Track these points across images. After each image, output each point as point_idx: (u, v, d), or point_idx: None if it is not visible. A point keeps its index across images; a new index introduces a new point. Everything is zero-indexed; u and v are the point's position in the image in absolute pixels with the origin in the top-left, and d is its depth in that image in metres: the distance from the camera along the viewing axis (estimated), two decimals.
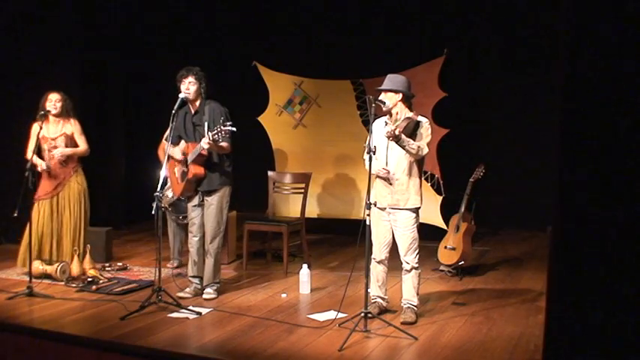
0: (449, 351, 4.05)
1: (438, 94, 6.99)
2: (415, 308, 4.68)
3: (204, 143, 4.92)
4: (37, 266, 5.66)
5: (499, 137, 8.08)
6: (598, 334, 2.13)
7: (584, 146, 2.14)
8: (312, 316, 4.75)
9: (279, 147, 7.81)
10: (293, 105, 7.80)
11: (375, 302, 4.78)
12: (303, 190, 6.52)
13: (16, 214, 5.30)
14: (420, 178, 4.70)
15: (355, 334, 4.24)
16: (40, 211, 5.80)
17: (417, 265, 4.66)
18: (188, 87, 5.11)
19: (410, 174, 4.61)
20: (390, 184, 4.60)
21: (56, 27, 7.43)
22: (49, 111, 5.74)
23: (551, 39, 6.90)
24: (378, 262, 4.74)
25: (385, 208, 4.65)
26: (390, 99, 4.61)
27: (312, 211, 7.46)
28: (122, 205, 8.42)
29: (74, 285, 5.57)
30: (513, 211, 7.96)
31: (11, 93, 7.30)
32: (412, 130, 4.56)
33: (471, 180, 6.07)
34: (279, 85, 7.83)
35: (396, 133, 4.39)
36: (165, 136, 5.96)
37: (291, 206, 7.35)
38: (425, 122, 4.62)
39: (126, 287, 5.47)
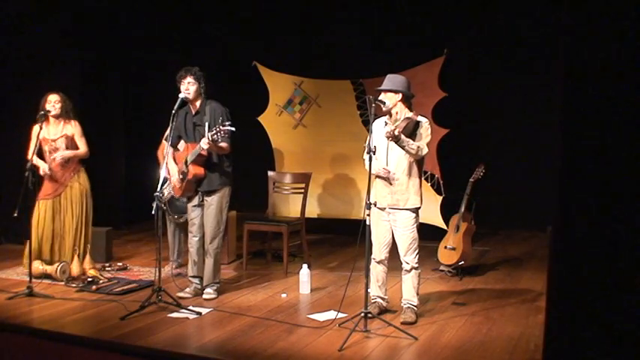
0: (449, 351, 4.05)
1: (438, 94, 7.00)
2: (415, 308, 4.68)
3: (204, 143, 4.92)
4: (37, 266, 5.66)
5: (499, 137, 8.07)
6: (598, 334, 2.13)
7: (584, 146, 2.14)
8: (312, 316, 4.75)
9: (279, 147, 7.81)
10: (293, 105, 7.80)
11: (375, 302, 4.78)
12: (303, 190, 6.52)
13: (16, 214, 5.30)
14: (420, 178, 4.71)
15: (355, 334, 4.24)
16: (41, 212, 5.80)
17: (416, 265, 4.66)
18: (187, 87, 5.11)
19: (410, 174, 4.61)
20: (391, 183, 4.61)
21: (56, 27, 7.43)
22: (48, 111, 5.74)
23: (551, 39, 6.90)
24: (378, 262, 4.74)
25: (385, 208, 4.65)
26: (389, 99, 4.61)
27: (312, 211, 7.46)
28: (122, 205, 8.43)
29: (74, 285, 5.57)
30: (513, 211, 7.96)
31: (11, 93, 7.30)
32: (412, 130, 4.56)
33: (471, 180, 6.07)
34: (279, 85, 7.84)
35: (396, 133, 4.39)
36: (164, 136, 5.96)
37: (291, 206, 7.35)
38: (425, 122, 4.62)
39: (126, 287, 5.47)
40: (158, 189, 4.88)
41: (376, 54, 7.95)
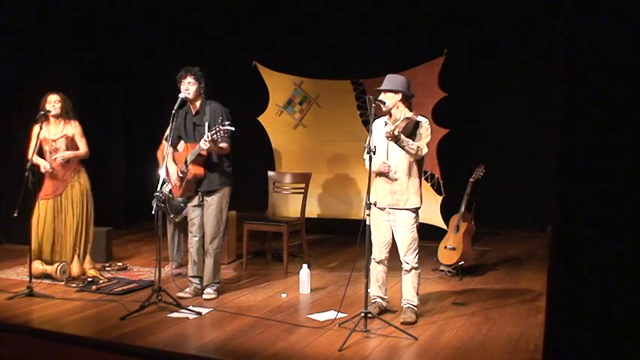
0: (449, 351, 4.05)
1: (438, 94, 7.00)
2: (415, 308, 4.68)
3: (203, 143, 4.92)
4: (37, 266, 5.66)
5: (499, 137, 8.08)
6: (598, 334, 2.13)
7: (584, 146, 2.14)
8: (312, 316, 4.75)
9: (279, 147, 7.81)
10: (293, 105, 7.80)
11: (375, 302, 4.78)
12: (303, 190, 6.52)
13: (16, 214, 5.30)
14: (420, 178, 4.71)
15: (355, 334, 4.24)
16: (41, 212, 5.80)
17: (416, 265, 4.66)
18: (187, 87, 5.11)
19: (410, 174, 4.61)
20: (390, 178, 4.60)
21: (56, 27, 7.43)
22: (48, 111, 5.74)
23: (551, 39, 6.90)
24: (378, 262, 4.74)
25: (385, 208, 4.65)
26: (389, 99, 4.61)
27: (312, 211, 7.46)
28: (122, 205, 8.43)
29: (74, 285, 5.57)
30: (513, 211, 7.97)
31: (11, 94, 7.30)
32: (412, 130, 4.56)
33: (471, 180, 6.07)
34: (279, 85, 7.84)
35: (395, 133, 4.39)
36: (164, 136, 5.96)
37: (291, 206, 7.35)
38: (424, 122, 4.62)
39: (126, 287, 5.47)
40: (158, 189, 4.88)
41: (376, 54, 7.94)
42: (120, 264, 6.34)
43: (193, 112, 5.22)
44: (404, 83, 4.64)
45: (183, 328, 4.51)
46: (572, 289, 2.18)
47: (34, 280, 5.34)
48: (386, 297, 4.83)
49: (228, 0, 8.57)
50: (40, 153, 5.80)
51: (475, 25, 7.92)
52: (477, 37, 7.96)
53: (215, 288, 5.26)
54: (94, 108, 7.68)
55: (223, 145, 5.04)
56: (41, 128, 5.64)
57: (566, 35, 2.18)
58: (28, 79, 7.17)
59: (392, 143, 4.52)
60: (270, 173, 6.84)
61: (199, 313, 4.79)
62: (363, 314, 4.37)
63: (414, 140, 4.53)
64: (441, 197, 7.06)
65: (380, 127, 4.64)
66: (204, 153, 5.05)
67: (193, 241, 5.31)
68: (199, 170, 5.12)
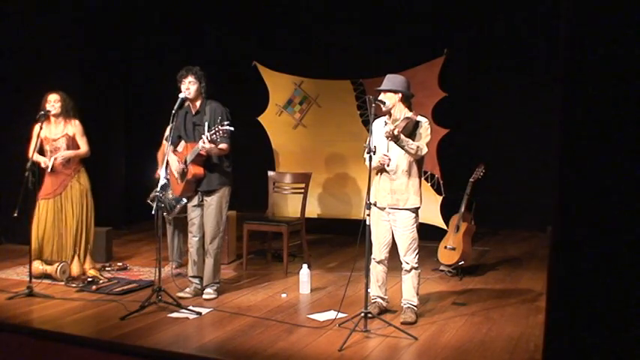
0: (449, 351, 4.05)
1: (438, 94, 7.00)
2: (415, 308, 4.68)
3: (202, 143, 4.91)
4: (37, 266, 5.66)
5: (499, 137, 8.08)
6: (598, 334, 2.13)
7: (584, 146, 2.14)
8: (312, 316, 4.75)
9: (279, 147, 7.81)
10: (293, 105, 7.80)
11: (375, 302, 4.78)
12: (303, 190, 6.52)
13: (16, 214, 5.30)
14: (420, 178, 4.71)
15: (355, 334, 4.24)
16: (41, 212, 5.80)
17: (416, 265, 4.66)
18: (188, 87, 5.11)
19: (410, 174, 4.61)
20: (391, 176, 4.59)
21: (56, 27, 7.43)
22: (48, 111, 5.74)
23: (551, 39, 6.90)
24: (378, 262, 4.74)
25: (385, 208, 4.66)
26: (389, 99, 4.61)
27: (312, 211, 7.46)
28: (122, 205, 8.43)
29: (74, 285, 5.57)
30: (513, 211, 7.96)
31: (12, 94, 7.29)
32: (411, 130, 4.56)
33: (471, 180, 6.07)
34: (279, 85, 7.84)
35: (395, 133, 4.39)
36: (165, 137, 5.96)
37: (290, 206, 7.35)
38: (424, 122, 4.62)
39: (126, 287, 5.47)
40: (158, 189, 4.88)
41: (376, 54, 7.95)
42: (120, 264, 6.34)
43: (193, 112, 5.22)
44: (404, 83, 4.64)
45: (183, 328, 4.51)
46: (572, 289, 2.17)
47: (34, 280, 5.34)
48: (386, 297, 4.83)
49: (228, 0, 8.57)
50: (41, 152, 5.81)
51: (475, 25, 7.92)
52: (477, 37, 7.96)
53: (215, 288, 5.26)
54: (94, 108, 7.67)
55: (223, 146, 5.04)
56: (42, 128, 5.64)
57: (566, 35, 2.18)
58: (28, 79, 7.17)
59: (392, 143, 4.52)
60: (270, 173, 6.84)
61: (199, 313, 4.79)
62: (363, 314, 4.36)
63: (413, 140, 4.53)
64: (441, 197, 7.06)
65: (380, 127, 4.64)
66: (203, 153, 5.05)
67: (193, 241, 5.30)
68: (199, 170, 5.12)
